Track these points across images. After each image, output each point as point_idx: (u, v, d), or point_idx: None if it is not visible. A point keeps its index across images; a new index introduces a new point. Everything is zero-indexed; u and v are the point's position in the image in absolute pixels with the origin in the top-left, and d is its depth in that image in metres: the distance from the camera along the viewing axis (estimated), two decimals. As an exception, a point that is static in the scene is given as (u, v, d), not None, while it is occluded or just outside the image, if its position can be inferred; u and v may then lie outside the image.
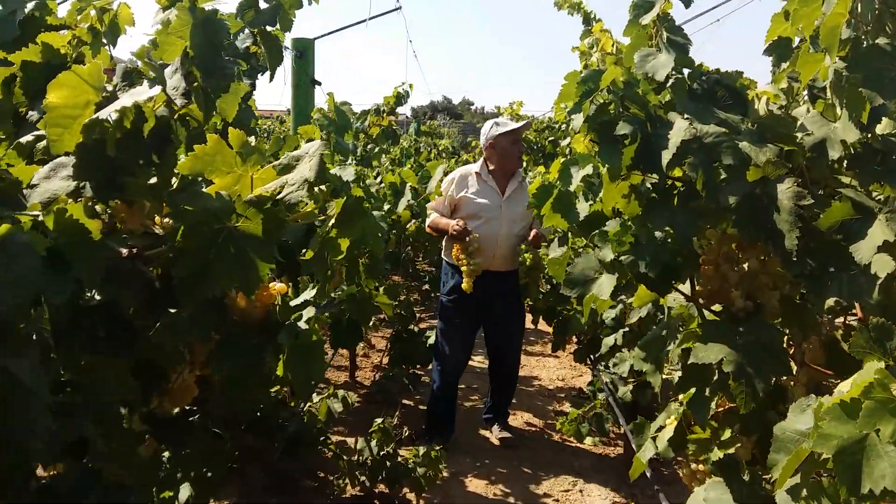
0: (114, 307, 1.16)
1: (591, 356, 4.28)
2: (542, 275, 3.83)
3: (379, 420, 3.36)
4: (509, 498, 3.58)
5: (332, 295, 2.28)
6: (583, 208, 1.80)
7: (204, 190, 1.19)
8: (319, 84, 3.86)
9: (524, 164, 8.57)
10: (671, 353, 1.71)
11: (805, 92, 1.84)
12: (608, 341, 3.54)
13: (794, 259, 1.40)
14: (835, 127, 1.47)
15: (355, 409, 4.82)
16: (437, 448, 3.30)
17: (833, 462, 0.96)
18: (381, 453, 3.32)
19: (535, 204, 1.87)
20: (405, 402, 4.75)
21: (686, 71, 1.65)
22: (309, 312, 1.25)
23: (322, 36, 3.81)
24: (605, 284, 1.67)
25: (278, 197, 1.10)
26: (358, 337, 2.53)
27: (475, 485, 3.69)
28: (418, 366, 4.60)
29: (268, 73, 1.96)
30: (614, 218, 1.70)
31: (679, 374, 2.27)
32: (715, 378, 1.56)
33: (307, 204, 1.18)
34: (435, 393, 4.12)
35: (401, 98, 5.58)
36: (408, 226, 3.26)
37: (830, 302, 1.39)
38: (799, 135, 1.50)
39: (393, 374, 4.50)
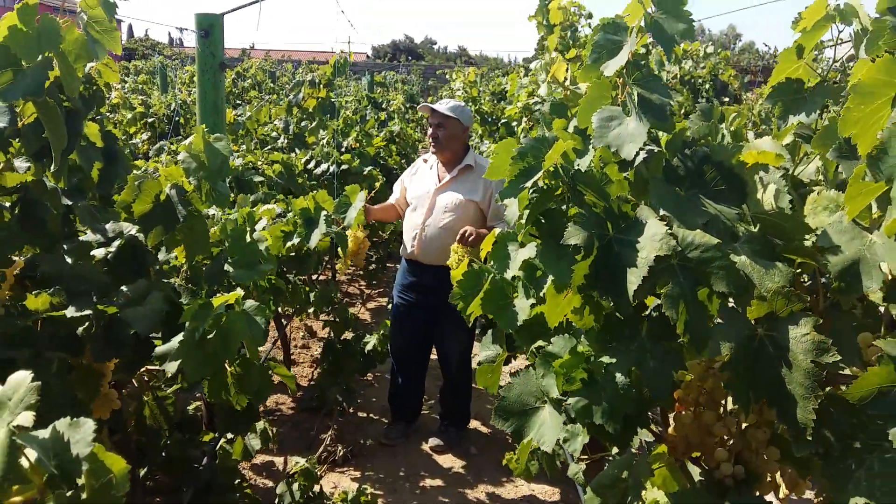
0: None
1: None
2: None
3: (302, 460, 2.95)
4: (451, 537, 3.24)
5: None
6: (523, 307, 1.36)
7: None
8: (231, 68, 3.27)
9: (480, 136, 8.02)
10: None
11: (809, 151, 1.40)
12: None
13: (809, 437, 1.00)
14: (872, 241, 1.03)
15: (288, 416, 4.42)
16: (368, 492, 2.92)
17: None
18: (305, 497, 2.93)
19: (459, 295, 1.42)
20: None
21: (664, 136, 1.19)
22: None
23: (233, 10, 3.21)
24: (549, 423, 1.24)
25: None
26: (253, 418, 2.09)
27: (414, 521, 3.34)
28: (355, 375, 4.18)
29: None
30: (563, 334, 1.25)
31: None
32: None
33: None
34: (393, 370, 3.98)
35: (339, 69, 4.96)
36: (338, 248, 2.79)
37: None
38: (820, 246, 1.07)
39: (327, 383, 4.07)
